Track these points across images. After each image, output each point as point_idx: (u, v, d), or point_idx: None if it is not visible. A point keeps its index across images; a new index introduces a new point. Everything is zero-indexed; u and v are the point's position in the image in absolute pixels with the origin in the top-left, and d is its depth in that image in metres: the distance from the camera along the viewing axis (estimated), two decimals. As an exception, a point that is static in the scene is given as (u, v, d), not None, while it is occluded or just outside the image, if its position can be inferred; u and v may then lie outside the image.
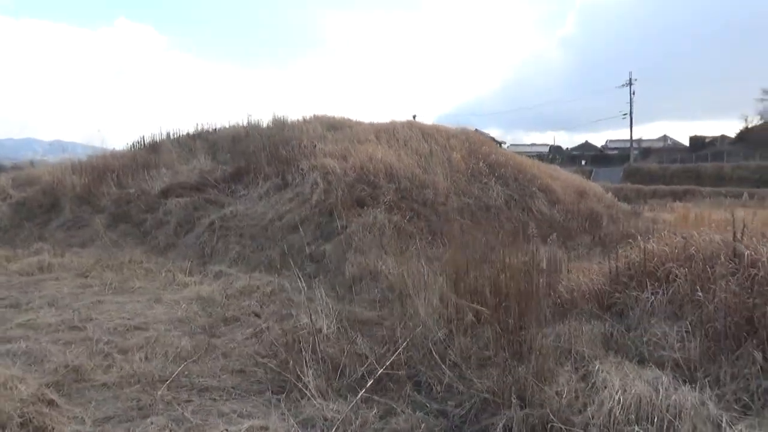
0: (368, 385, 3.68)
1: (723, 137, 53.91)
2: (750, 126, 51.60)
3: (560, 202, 15.08)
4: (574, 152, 65.14)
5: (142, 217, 11.14)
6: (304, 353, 4.44)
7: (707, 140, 54.44)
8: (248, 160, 12.09)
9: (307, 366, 4.02)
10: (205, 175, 12.09)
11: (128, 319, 6.23)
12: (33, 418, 3.37)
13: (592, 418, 3.10)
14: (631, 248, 4.94)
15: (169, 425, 3.35)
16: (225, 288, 7.56)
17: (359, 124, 16.72)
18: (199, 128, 18.26)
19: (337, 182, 10.18)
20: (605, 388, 3.29)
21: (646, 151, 57.79)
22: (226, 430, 3.15)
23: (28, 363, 4.58)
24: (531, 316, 4.49)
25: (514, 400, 3.34)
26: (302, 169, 10.77)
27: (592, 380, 3.47)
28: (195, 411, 3.59)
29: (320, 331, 4.86)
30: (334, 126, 16.00)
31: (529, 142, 73.65)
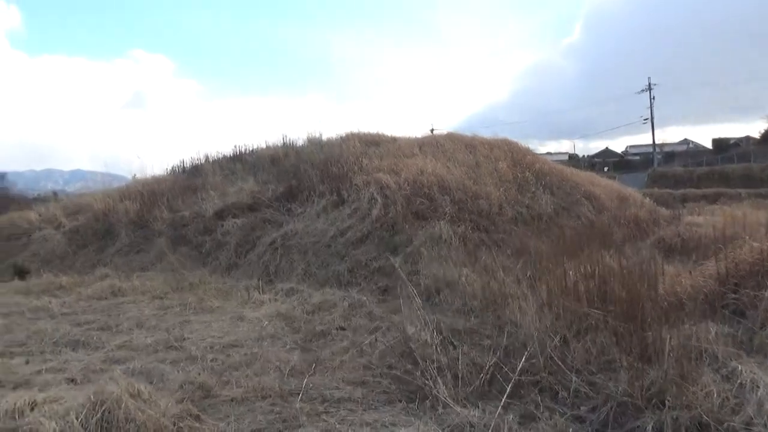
0: (507, 391, 3.71)
1: (748, 138, 53.27)
2: (775, 126, 50.98)
3: (605, 208, 15.04)
4: (596, 159, 64.74)
5: (201, 239, 11.32)
6: (421, 363, 4.52)
7: (732, 142, 53.82)
8: (299, 178, 12.24)
9: (436, 375, 4.07)
10: (257, 195, 12.26)
11: (219, 337, 6.34)
12: (189, 432, 3.46)
13: (754, 417, 3.10)
14: (740, 249, 4.93)
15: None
16: (301, 304, 7.66)
17: (395, 139, 16.88)
18: (238, 151, 18.58)
19: (393, 196, 10.28)
20: (757, 387, 3.29)
21: (669, 155, 57.22)
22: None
23: (149, 381, 4.68)
24: (646, 318, 4.52)
25: (669, 402, 3.34)
26: (356, 185, 10.89)
27: (738, 380, 3.46)
28: (340, 421, 3.65)
29: (427, 341, 4.93)
30: (372, 142, 16.12)
31: (544, 151, 73.29)
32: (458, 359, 4.56)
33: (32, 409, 3.94)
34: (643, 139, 66.45)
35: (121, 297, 8.72)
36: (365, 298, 7.53)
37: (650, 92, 52.38)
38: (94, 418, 3.63)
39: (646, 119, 52.95)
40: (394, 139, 16.79)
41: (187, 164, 18.74)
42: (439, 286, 7.38)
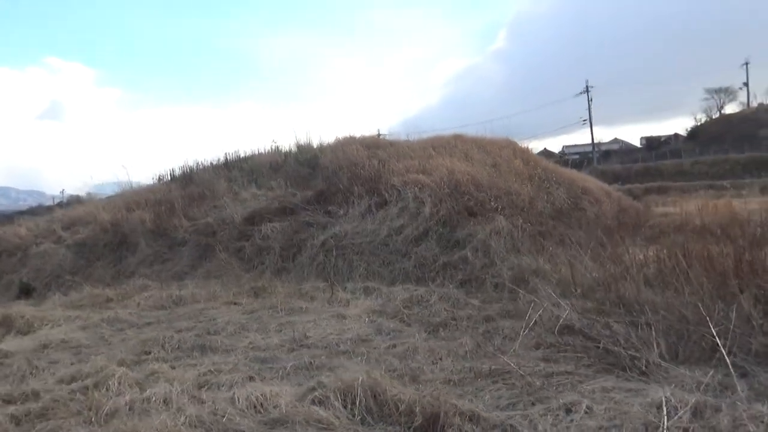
0: (726, 352, 4.13)
1: (676, 135, 57.43)
2: (699, 124, 55.32)
3: (599, 201, 15.98)
4: (538, 159, 67.69)
5: (238, 245, 11.19)
6: (599, 338, 4.90)
7: (662, 139, 57.84)
8: (328, 182, 12.33)
9: (638, 344, 4.46)
10: (283, 199, 12.25)
11: (338, 334, 6.43)
12: (443, 409, 3.64)
13: None
14: None
15: (578, 403, 3.69)
16: (389, 300, 7.84)
17: (392, 143, 17.26)
18: (227, 158, 18.32)
19: (435, 195, 10.61)
20: None
21: (605, 153, 60.66)
22: (667, 399, 3.52)
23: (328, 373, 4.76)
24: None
25: None
26: (394, 186, 11.14)
27: None
28: (588, 391, 3.93)
29: (585, 319, 5.33)
30: (372, 145, 16.36)
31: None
32: (615, 332, 4.99)
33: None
34: (574, 139, 70.37)
35: (189, 305, 8.50)
36: (454, 291, 7.81)
37: (588, 94, 55.68)
38: (356, 403, 3.77)
39: (585, 120, 56.10)
40: (390, 143, 17.16)
41: (176, 172, 18.41)
42: (525, 275, 7.78)
